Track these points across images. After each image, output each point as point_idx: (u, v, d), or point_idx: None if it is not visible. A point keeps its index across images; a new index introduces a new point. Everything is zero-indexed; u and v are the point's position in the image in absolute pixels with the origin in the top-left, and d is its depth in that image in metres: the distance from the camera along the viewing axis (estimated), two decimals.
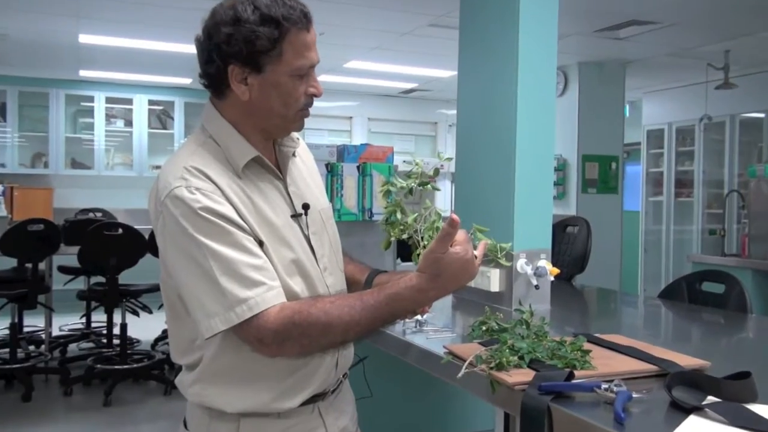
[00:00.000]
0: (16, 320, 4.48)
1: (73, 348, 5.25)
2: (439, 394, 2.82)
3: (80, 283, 5.37)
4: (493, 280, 2.21)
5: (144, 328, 5.31)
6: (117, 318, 4.71)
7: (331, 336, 1.15)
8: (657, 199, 7.37)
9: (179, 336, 1.27)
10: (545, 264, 2.22)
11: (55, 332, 5.50)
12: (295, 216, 1.28)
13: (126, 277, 4.46)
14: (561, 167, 6.11)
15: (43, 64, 6.52)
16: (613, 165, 6.14)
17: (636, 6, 4.48)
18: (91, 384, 4.51)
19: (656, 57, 5.87)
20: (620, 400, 1.10)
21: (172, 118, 7.58)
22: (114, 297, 4.37)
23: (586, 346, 1.40)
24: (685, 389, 1.19)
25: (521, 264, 2.22)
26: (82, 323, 5.66)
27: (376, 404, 2.20)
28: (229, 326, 1.13)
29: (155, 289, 4.44)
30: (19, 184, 6.81)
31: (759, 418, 1.06)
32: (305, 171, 1.40)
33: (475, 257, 1.19)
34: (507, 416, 1.95)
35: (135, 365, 4.51)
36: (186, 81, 7.11)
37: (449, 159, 1.37)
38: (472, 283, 1.47)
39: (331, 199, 2.51)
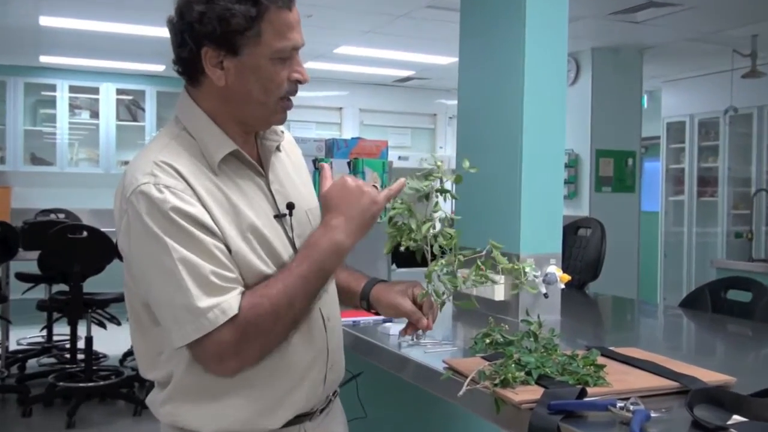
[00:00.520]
0: None
1: (32, 364, 5.23)
2: (438, 414, 2.82)
3: (40, 292, 5.34)
4: (497, 288, 2.22)
5: (111, 341, 5.28)
6: (81, 330, 4.69)
7: (282, 318, 1.18)
8: (678, 199, 7.40)
9: (144, 348, 1.28)
10: (555, 270, 2.22)
11: (13, 346, 5.47)
12: (279, 216, 1.29)
13: (91, 285, 4.45)
14: (572, 163, 6.13)
15: None
16: (630, 161, 6.16)
17: None
18: (52, 404, 4.49)
19: (677, 42, 5.89)
20: (637, 420, 1.10)
21: (143, 109, 7.57)
22: (78, 307, 4.35)
23: (600, 360, 1.40)
24: (708, 408, 1.20)
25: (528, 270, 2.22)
26: (43, 336, 5.63)
27: (370, 425, 2.20)
28: (200, 335, 1.14)
29: (124, 298, 4.42)
30: None
31: None
32: (291, 167, 1.40)
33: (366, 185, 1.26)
34: None
35: (101, 383, 4.49)
36: (158, 68, 7.09)
37: (475, 168, 1.37)
38: (474, 291, 1.47)
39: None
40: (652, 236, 7.30)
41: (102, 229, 4.35)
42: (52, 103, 7.33)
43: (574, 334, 2.13)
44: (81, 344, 4.75)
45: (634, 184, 6.19)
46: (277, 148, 1.37)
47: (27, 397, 4.42)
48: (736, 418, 1.16)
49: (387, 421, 2.57)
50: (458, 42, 2.64)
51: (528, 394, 1.25)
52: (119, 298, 4.50)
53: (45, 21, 5.45)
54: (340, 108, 8.37)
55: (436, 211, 1.33)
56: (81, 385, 4.42)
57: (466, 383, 1.31)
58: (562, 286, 2.23)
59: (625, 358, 1.52)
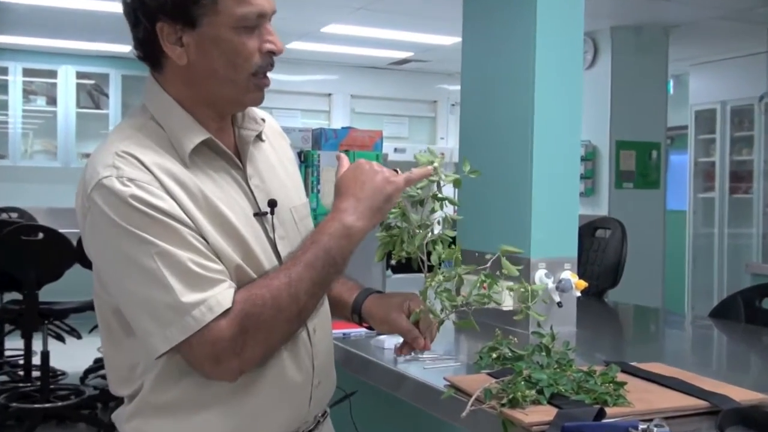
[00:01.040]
0: None
1: None
2: None
3: None
4: (505, 295, 2.22)
5: (71, 356, 5.27)
6: (37, 345, 4.67)
7: (284, 311, 1.18)
8: (708, 196, 7.42)
9: (117, 362, 1.28)
10: (570, 276, 2.23)
11: None
12: (259, 215, 1.29)
13: (48, 294, 4.43)
14: (590, 156, 6.14)
15: None
16: (654, 154, 6.17)
17: None
18: (5, 426, 4.47)
19: (706, 20, 5.90)
20: None
21: (107, 95, 7.55)
22: (33, 318, 4.33)
23: (620, 377, 1.41)
24: (741, 429, 1.20)
25: (540, 276, 2.23)
26: None
27: None
28: (187, 335, 1.14)
29: (86, 307, 4.41)
30: None
31: None
32: (275, 159, 1.40)
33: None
34: None
35: (60, 403, 4.48)
36: (124, 49, 7.07)
37: (476, 172, 1.36)
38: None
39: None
40: (678, 238, 7.31)
41: (60, 230, 4.33)
42: (3, 88, 7.30)
43: (592, 347, 2.14)
44: (36, 360, 4.73)
45: (658, 180, 6.20)
46: (259, 138, 1.37)
47: None
48: None
49: None
50: (461, 20, 2.64)
51: (539, 415, 1.25)
52: (80, 308, 4.49)
53: None
54: (329, 94, 8.36)
55: (433, 212, 1.32)
56: (36, 406, 4.41)
57: (470, 403, 1.31)
58: (578, 293, 2.23)
59: (649, 374, 1.52)
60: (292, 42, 6.66)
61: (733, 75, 7.16)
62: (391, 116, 8.56)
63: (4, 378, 5.25)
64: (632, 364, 1.60)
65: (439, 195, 1.33)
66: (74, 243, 4.21)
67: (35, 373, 4.81)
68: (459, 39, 2.66)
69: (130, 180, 1.16)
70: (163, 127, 1.25)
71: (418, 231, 1.31)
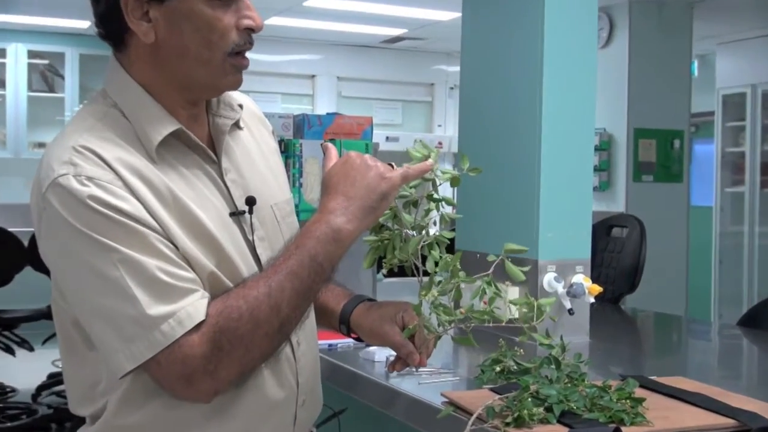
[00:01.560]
0: None
1: None
2: None
3: None
4: (508, 310, 2.22)
5: (23, 371, 5.25)
6: None
7: (263, 325, 1.17)
8: (736, 190, 7.44)
9: (78, 379, 1.27)
10: (582, 280, 2.23)
11: None
12: (236, 215, 1.29)
13: None
14: (604, 146, 6.15)
15: None
16: (677, 143, 6.19)
17: None
18: None
19: None
20: None
21: (62, 77, 7.52)
22: None
23: (638, 392, 1.41)
24: None
25: (549, 280, 2.23)
26: None
27: None
28: (155, 352, 1.13)
29: (39, 316, 4.41)
30: None
31: None
32: (254, 149, 1.40)
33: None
34: None
35: (9, 424, 4.47)
36: (82, 24, 7.05)
37: (477, 170, 1.34)
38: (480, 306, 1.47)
39: None
40: (704, 237, 7.33)
41: (10, 229, 4.32)
42: None
43: (607, 359, 2.14)
44: None
45: (681, 172, 6.22)
46: (237, 126, 1.37)
47: None
48: None
49: None
50: None
51: None
52: (33, 316, 4.48)
53: None
54: (313, 76, 8.36)
55: (428, 213, 1.32)
56: None
57: (470, 422, 1.31)
58: (592, 299, 2.24)
59: (670, 390, 1.53)
60: (271, 17, 6.64)
61: (764, 55, 7.18)
62: (383, 101, 8.56)
63: None
64: (652, 378, 1.61)
65: (435, 196, 1.31)
66: (26, 243, 4.20)
67: None
68: (458, 14, 2.67)
69: (89, 178, 1.15)
70: (127, 117, 1.24)
71: (411, 233, 1.30)
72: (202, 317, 1.15)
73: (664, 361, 2.37)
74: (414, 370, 1.44)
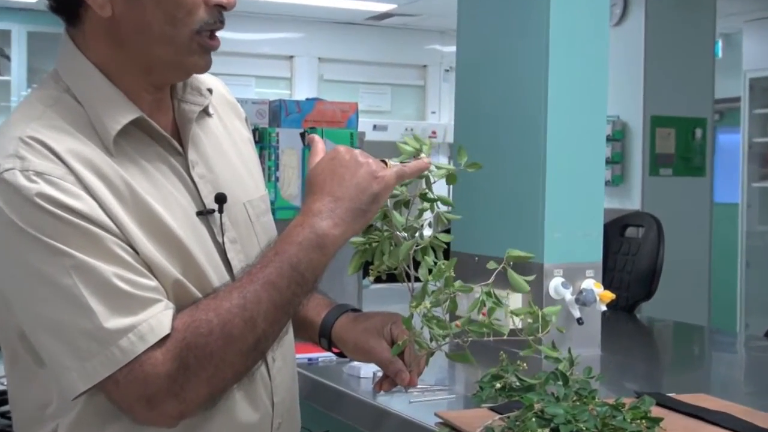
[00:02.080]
0: None
1: None
2: None
3: None
4: (510, 321, 2.23)
5: None
6: None
7: (236, 342, 1.16)
8: (765, 185, 7.48)
9: (25, 399, 1.27)
10: (593, 286, 2.24)
11: None
12: (204, 214, 1.28)
13: None
14: (618, 136, 6.16)
15: None
16: (698, 133, 6.21)
17: None
18: None
19: None
20: None
21: (8, 58, 7.50)
22: None
23: (655, 411, 1.42)
24: None
25: (556, 286, 2.24)
26: None
27: None
28: (112, 370, 1.13)
29: None
30: None
31: None
32: (225, 139, 1.40)
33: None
34: None
35: None
36: None
37: (476, 165, 1.33)
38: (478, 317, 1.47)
39: None
40: (729, 237, 7.36)
41: None
42: None
43: (620, 374, 2.15)
44: None
45: (704, 165, 6.24)
46: (206, 113, 1.37)
47: None
48: None
49: None
50: None
51: None
52: None
53: None
54: (291, 57, 8.34)
55: (422, 213, 1.32)
56: None
57: None
58: (604, 307, 2.25)
59: (691, 408, 1.54)
60: None
61: None
62: (369, 85, 8.54)
63: None
64: (670, 395, 1.62)
65: (430, 195, 1.31)
66: None
67: None
68: None
69: (38, 174, 1.15)
70: (81, 103, 1.24)
71: (403, 235, 1.30)
72: (166, 331, 1.14)
73: (684, 377, 2.38)
74: (404, 390, 1.44)
